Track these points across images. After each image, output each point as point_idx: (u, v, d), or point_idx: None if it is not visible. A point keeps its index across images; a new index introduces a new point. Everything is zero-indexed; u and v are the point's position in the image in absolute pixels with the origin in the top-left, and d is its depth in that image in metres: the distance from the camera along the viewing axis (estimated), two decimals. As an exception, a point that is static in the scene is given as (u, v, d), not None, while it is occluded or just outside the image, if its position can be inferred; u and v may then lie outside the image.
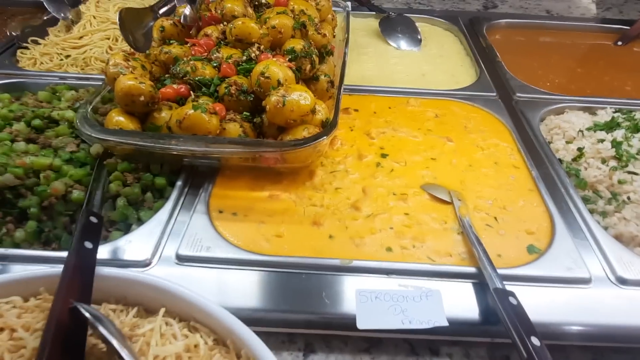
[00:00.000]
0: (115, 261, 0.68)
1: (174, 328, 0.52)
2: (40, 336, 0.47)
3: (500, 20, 1.52)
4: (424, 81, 1.21)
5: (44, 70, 1.14)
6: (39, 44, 1.22)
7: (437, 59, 1.33)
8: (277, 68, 0.81)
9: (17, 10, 1.48)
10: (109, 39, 1.20)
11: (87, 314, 0.44)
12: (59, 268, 0.52)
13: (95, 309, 0.49)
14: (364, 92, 1.11)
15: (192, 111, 0.74)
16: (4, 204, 0.72)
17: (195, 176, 0.83)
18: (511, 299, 0.60)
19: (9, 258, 0.67)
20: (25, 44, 1.22)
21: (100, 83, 0.95)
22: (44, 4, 1.26)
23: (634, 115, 0.99)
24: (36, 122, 0.86)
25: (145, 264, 0.67)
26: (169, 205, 0.77)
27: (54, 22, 1.29)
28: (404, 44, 1.39)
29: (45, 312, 0.52)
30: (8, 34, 1.25)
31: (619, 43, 1.46)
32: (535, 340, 0.53)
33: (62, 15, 1.25)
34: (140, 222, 0.75)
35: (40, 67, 1.15)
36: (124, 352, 0.41)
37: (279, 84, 0.80)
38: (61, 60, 1.16)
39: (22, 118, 0.88)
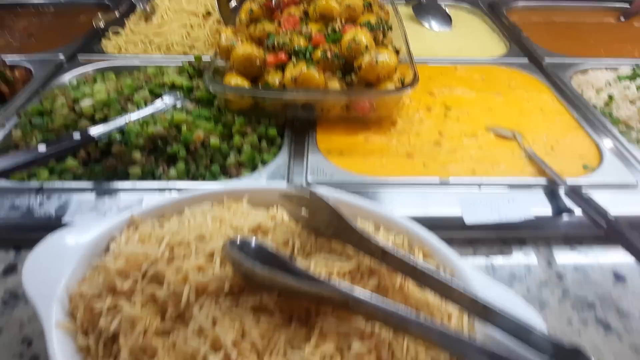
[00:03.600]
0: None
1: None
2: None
3: (518, 3, 1.72)
4: (462, 54, 1.39)
5: (131, 54, 1.29)
6: (120, 34, 1.38)
7: (468, 36, 1.52)
8: (364, 36, 0.98)
9: (84, 8, 1.64)
10: (185, 27, 1.35)
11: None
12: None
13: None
14: (416, 62, 1.28)
15: (306, 69, 0.90)
16: (155, 151, 0.87)
17: (298, 128, 0.99)
18: (583, 192, 0.77)
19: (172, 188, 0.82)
20: (107, 35, 1.37)
21: (181, 64, 1.13)
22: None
23: (648, 69, 1.18)
24: (155, 89, 1.02)
25: (282, 190, 0.83)
26: (285, 148, 0.92)
27: (126, 15, 1.45)
28: (436, 26, 1.57)
29: (232, 210, 0.67)
30: (94, 25, 1.40)
31: (622, 19, 1.66)
32: (610, 215, 0.70)
33: (141, 6, 1.40)
34: (264, 163, 0.91)
35: (126, 53, 1.31)
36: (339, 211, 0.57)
37: (366, 48, 0.97)
38: (145, 46, 1.31)
39: (140, 88, 1.03)
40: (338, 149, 0.93)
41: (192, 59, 1.14)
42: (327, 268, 0.55)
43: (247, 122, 0.96)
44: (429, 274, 0.53)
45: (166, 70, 1.13)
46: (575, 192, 0.77)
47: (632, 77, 1.12)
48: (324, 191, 0.66)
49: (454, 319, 0.55)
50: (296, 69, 0.91)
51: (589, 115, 1.05)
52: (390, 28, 1.19)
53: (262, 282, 0.51)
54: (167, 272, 0.53)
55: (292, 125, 1.00)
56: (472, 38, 1.50)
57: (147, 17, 1.40)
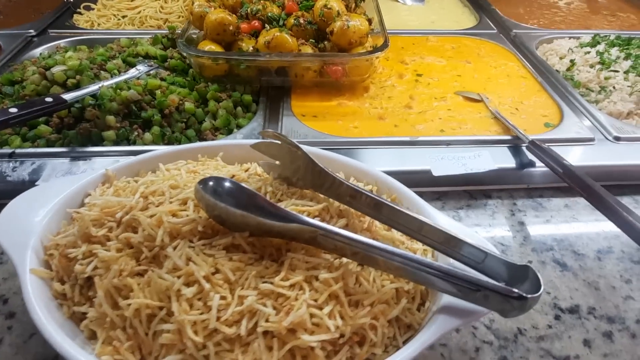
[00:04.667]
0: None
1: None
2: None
3: (489, -22, 1.75)
4: (434, 27, 1.42)
5: (103, 29, 1.28)
6: (92, 9, 1.36)
7: (441, 10, 1.55)
8: (335, 2, 0.99)
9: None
10: (158, 0, 1.34)
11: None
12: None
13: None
14: (389, 34, 1.31)
15: (279, 33, 0.92)
16: (130, 115, 0.88)
17: (272, 95, 1.01)
18: (542, 145, 0.81)
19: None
20: (78, 10, 1.35)
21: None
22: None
23: (610, 37, 1.23)
24: (129, 58, 1.02)
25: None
26: (259, 113, 0.94)
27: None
28: (409, 1, 1.60)
29: (206, 165, 0.69)
30: (65, 0, 1.37)
31: (588, -7, 1.72)
32: (566, 161, 0.75)
33: (112, -19, 1.38)
34: (239, 127, 0.92)
35: (99, 28, 1.29)
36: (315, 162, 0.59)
37: (338, 14, 0.99)
38: (118, 20, 1.30)
39: (114, 58, 1.03)
40: (312, 113, 0.96)
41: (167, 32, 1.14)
42: (298, 210, 0.57)
43: (222, 89, 0.98)
44: (395, 211, 0.55)
45: (140, 41, 1.13)
46: (536, 146, 0.81)
47: (593, 44, 1.17)
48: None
49: (419, 253, 0.58)
50: (269, 33, 0.93)
51: (552, 79, 1.09)
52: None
53: (235, 223, 0.53)
54: (141, 218, 0.55)
55: (267, 92, 1.01)
56: (444, 12, 1.53)
57: (118, -10, 1.38)
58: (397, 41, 1.27)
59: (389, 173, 0.66)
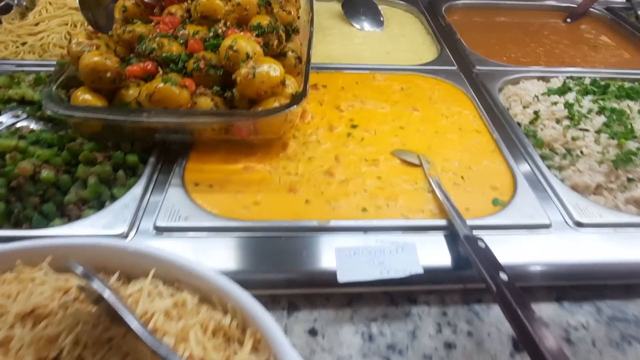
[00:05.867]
0: (91, 237, 0.67)
1: (160, 288, 0.52)
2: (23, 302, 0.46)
3: (458, 1, 1.58)
4: (388, 59, 1.24)
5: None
6: (-8, 33, 1.17)
7: (400, 38, 1.37)
8: (245, 42, 0.81)
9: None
10: (67, 24, 1.16)
11: (80, 268, 0.43)
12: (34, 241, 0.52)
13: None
14: (331, 69, 1.14)
15: (162, 84, 0.74)
16: (-33, 187, 0.70)
17: (168, 153, 0.83)
18: (480, 243, 0.64)
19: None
20: (-24, 33, 1.17)
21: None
22: (-5, -10, 1.21)
23: (583, 80, 1.06)
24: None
25: (122, 237, 0.67)
26: (142, 181, 0.76)
27: (6, 9, 1.24)
28: (367, 25, 1.42)
29: (23, 283, 0.51)
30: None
31: (568, 20, 1.55)
32: (503, 276, 0.57)
33: (16, 1, 1.20)
34: (114, 199, 0.74)
35: (-6, 57, 1.11)
36: (118, 304, 0.41)
37: (248, 57, 0.81)
38: (17, 47, 1.12)
39: (-21, 103, 0.85)
40: (209, 181, 0.78)
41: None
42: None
43: (104, 147, 0.80)
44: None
45: (24, 79, 0.95)
46: (471, 242, 0.63)
47: (562, 91, 1.00)
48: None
49: None
50: (152, 85, 0.74)
51: (511, 135, 0.92)
52: (294, 30, 1.03)
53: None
54: None
55: (163, 149, 0.83)
56: (403, 41, 1.35)
57: (24, 13, 1.20)
58: (338, 79, 1.09)
59: (287, 271, 0.49)
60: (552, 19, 1.59)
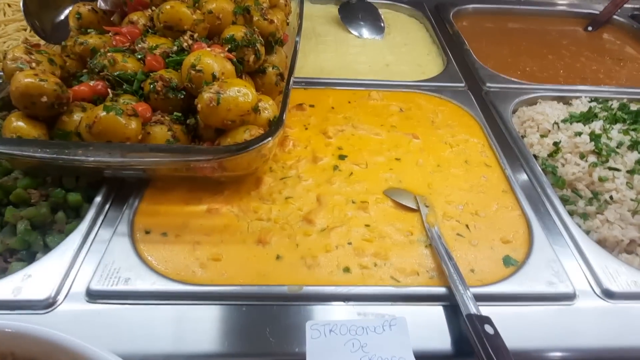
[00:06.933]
0: (10, 302, 0.55)
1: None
2: None
3: (468, 6, 1.44)
4: (387, 72, 1.11)
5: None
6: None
7: (402, 47, 1.23)
8: (211, 59, 0.68)
9: None
10: (26, 29, 1.04)
11: None
12: None
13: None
14: (322, 85, 1.00)
15: (104, 113, 0.61)
16: None
17: (120, 189, 0.71)
18: (487, 328, 0.51)
19: None
20: None
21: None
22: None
23: (611, 105, 0.92)
24: None
25: (47, 305, 0.55)
26: (83, 226, 0.64)
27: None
28: (366, 32, 1.28)
29: None
30: None
31: (589, 28, 1.40)
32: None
33: (-30, 2, 1.08)
34: (47, 249, 0.62)
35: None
36: None
37: (214, 78, 0.68)
38: (-31, 55, 1.00)
39: None
40: (162, 227, 0.65)
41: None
42: None
43: (42, 183, 0.67)
44: None
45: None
46: (475, 326, 0.50)
47: (587, 118, 0.86)
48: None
49: None
50: (92, 113, 0.62)
51: (526, 171, 0.78)
52: (277, 42, 0.90)
53: None
54: None
55: (114, 184, 0.71)
56: (405, 50, 1.21)
57: (-20, 15, 1.07)
58: (329, 97, 0.96)
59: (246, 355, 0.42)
60: (571, 26, 1.44)
